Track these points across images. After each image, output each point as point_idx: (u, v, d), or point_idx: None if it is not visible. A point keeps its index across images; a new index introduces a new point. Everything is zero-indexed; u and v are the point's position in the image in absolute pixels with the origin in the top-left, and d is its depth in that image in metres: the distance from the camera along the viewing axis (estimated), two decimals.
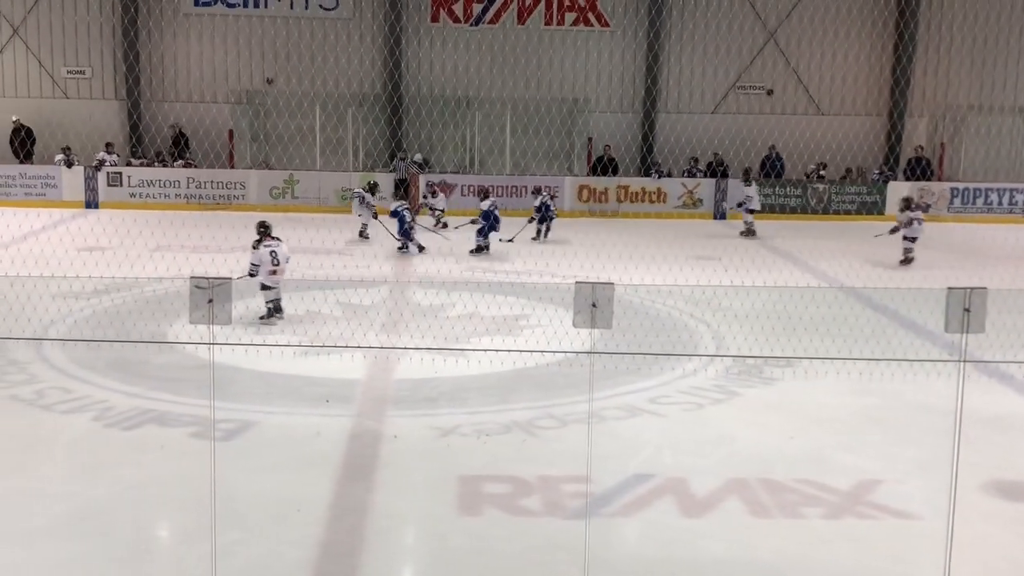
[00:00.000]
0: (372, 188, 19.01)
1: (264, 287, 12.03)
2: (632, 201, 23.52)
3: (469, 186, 23.15)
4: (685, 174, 24.34)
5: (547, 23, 25.24)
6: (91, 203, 22.29)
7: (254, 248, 12.05)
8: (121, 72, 24.55)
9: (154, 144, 24.37)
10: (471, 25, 25.10)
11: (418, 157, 23.97)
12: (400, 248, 17.63)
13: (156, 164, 23.46)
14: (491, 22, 25.13)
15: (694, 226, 22.31)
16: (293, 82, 24.75)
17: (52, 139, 23.52)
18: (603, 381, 9.73)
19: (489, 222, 17.85)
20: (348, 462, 7.90)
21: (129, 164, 23.18)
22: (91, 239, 17.59)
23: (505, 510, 7.02)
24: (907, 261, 17.25)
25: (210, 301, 3.38)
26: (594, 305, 4.45)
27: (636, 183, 23.83)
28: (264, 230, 12.15)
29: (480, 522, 6.85)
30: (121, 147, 23.94)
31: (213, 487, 5.61)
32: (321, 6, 24.73)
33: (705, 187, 23.73)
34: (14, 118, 23.60)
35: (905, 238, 17.34)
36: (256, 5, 24.65)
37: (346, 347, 10.88)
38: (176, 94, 24.78)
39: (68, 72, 24.65)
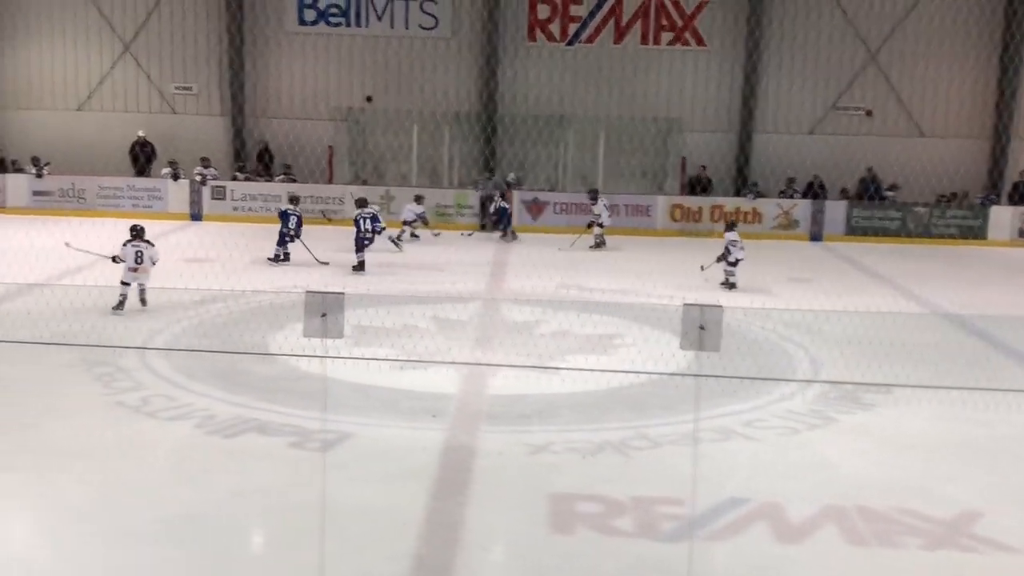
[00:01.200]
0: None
1: (123, 283, 13.16)
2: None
3: (561, 204, 23.22)
4: (781, 195, 24.04)
5: (643, 42, 25.22)
6: (196, 215, 22.91)
7: (123, 246, 13.27)
8: (226, 89, 25.22)
9: (251, 159, 24.97)
10: (567, 44, 25.21)
11: (512, 177, 24.12)
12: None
13: (258, 178, 24.01)
14: (587, 41, 25.20)
15: (789, 247, 22.01)
16: (391, 100, 25.13)
17: (161, 153, 24.30)
18: (696, 403, 9.66)
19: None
20: (442, 476, 7.98)
21: (234, 179, 23.77)
22: (195, 250, 18.07)
23: (597, 530, 7.02)
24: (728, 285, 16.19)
25: (323, 315, 3.47)
26: (702, 327, 4.45)
27: (731, 203, 23.62)
28: (136, 233, 13.42)
29: (572, 541, 6.86)
30: (220, 162, 24.52)
31: (323, 499, 5.72)
32: (420, 25, 25.10)
33: (801, 208, 23.41)
34: (140, 133, 24.44)
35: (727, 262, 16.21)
36: (358, 24, 25.13)
37: (441, 362, 11.00)
38: (278, 110, 25.35)
39: (176, 88, 25.42)
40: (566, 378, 10.43)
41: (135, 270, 13.25)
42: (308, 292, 3.53)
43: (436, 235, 20.78)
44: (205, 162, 23.63)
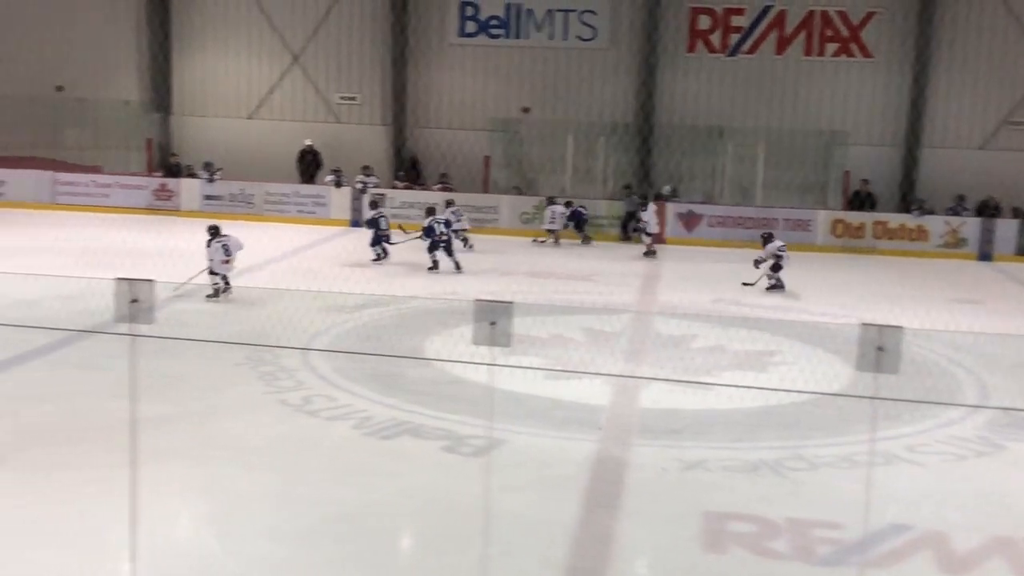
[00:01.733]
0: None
1: (212, 272, 14.23)
2: (890, 238, 22.54)
3: (716, 217, 22.91)
4: (949, 212, 23.09)
5: (807, 53, 24.66)
6: (355, 222, 23.55)
7: (208, 246, 14.33)
8: (388, 99, 25.85)
9: (410, 168, 25.51)
10: (727, 55, 24.87)
11: (666, 189, 23.92)
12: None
13: (416, 187, 24.51)
14: (748, 52, 24.80)
15: (956, 266, 21.12)
16: (547, 110, 25.29)
17: (325, 161, 25.09)
18: (856, 425, 9.37)
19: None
20: (594, 487, 7.96)
21: (393, 187, 24.34)
22: (354, 256, 18.58)
23: (751, 550, 6.88)
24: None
25: (492, 323, 3.52)
26: (880, 348, 4.30)
27: (895, 219, 22.83)
28: (214, 231, 14.52)
29: (725, 560, 6.75)
30: (381, 170, 25.10)
31: (488, 506, 5.79)
32: (579, 37, 25.18)
33: (970, 226, 22.43)
34: (307, 142, 25.33)
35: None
36: (517, 36, 25.40)
37: (595, 374, 10.98)
38: (438, 120, 25.84)
39: (341, 98, 26.21)
40: (720, 394, 10.27)
41: (227, 262, 14.33)
42: (478, 300, 3.58)
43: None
44: (367, 170, 24.26)
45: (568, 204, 22.23)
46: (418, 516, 7.36)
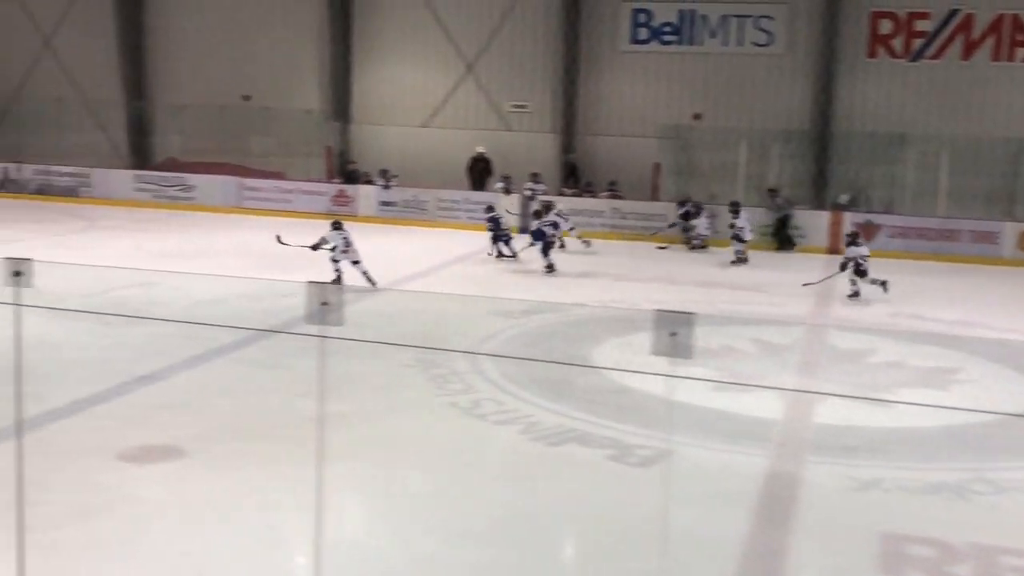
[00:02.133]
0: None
1: (334, 260, 15.34)
2: None
3: (896, 227, 22.09)
4: None
5: (995, 59, 23.52)
6: (523, 229, 23.75)
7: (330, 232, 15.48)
8: (558, 107, 26.01)
9: (581, 176, 25.60)
10: (910, 61, 23.97)
11: (843, 198, 23.21)
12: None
13: (584, 194, 24.58)
14: (933, 57, 23.84)
15: None
16: (720, 117, 24.94)
17: (496, 168, 25.46)
18: None
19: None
20: (764, 504, 7.80)
21: (561, 194, 24.47)
22: (523, 262, 18.75)
23: (931, 575, 6.60)
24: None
25: (673, 334, 3.51)
26: None
27: None
28: (337, 225, 15.71)
29: None
30: (550, 177, 25.26)
31: (655, 518, 5.76)
32: (754, 42, 24.75)
33: None
34: (479, 149, 25.80)
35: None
36: (690, 42, 25.16)
37: (766, 387, 10.76)
38: (607, 128, 25.85)
39: (512, 106, 26.55)
40: (898, 412, 9.90)
41: (346, 251, 15.42)
42: (657, 311, 3.57)
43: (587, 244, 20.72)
44: (535, 177, 24.46)
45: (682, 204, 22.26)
46: (584, 524, 7.37)
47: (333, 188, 25.54)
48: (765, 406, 10.24)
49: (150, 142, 28.90)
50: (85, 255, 17.87)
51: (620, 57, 25.75)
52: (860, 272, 16.21)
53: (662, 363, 4.82)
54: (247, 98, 27.50)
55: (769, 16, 24.63)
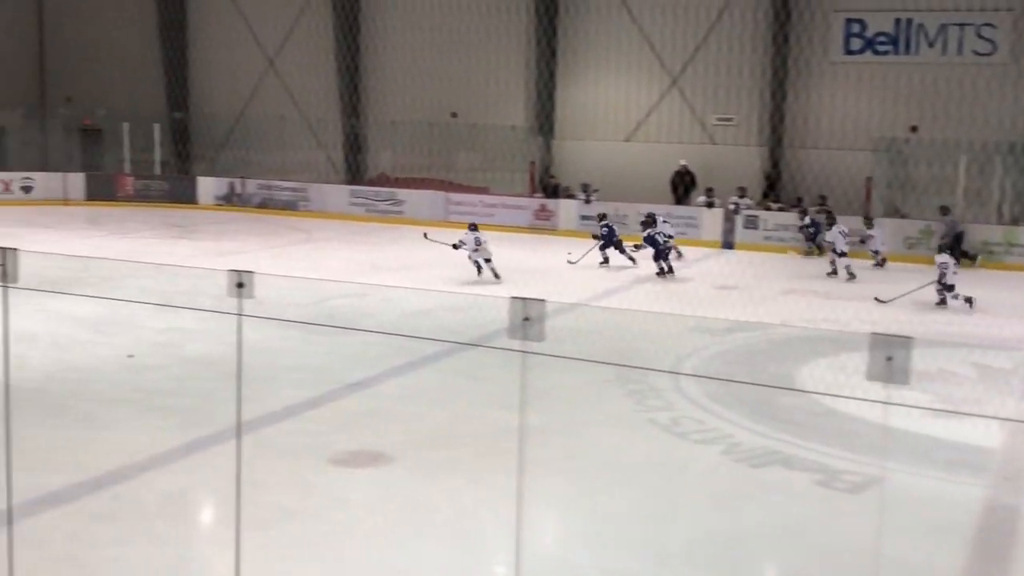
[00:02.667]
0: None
1: (470, 258, 17.71)
2: None
3: None
4: None
5: None
6: (727, 244, 23.38)
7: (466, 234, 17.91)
8: (765, 119, 25.47)
9: (787, 190, 24.95)
10: None
11: None
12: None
13: (791, 209, 23.93)
14: None
15: None
16: (937, 129, 23.78)
17: (699, 182, 25.14)
18: None
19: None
20: (982, 536, 7.36)
21: (767, 208, 23.95)
22: (725, 278, 18.44)
23: None
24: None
25: (889, 358, 3.36)
26: None
27: None
28: (473, 226, 18.08)
29: None
30: (755, 191, 24.76)
31: (864, 546, 5.55)
32: (975, 51, 23.49)
33: None
34: (682, 162, 25.59)
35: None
36: (906, 52, 24.14)
37: (987, 416, 10.17)
38: (815, 141, 25.11)
39: (717, 120, 26.18)
40: None
41: (477, 250, 17.58)
42: (873, 334, 3.43)
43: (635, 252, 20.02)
44: (741, 191, 24.03)
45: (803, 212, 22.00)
46: (788, 550, 7.15)
47: (535, 202, 25.86)
48: (985, 434, 9.67)
49: (364, 158, 30.07)
50: (302, 267, 18.74)
51: (832, 68, 24.95)
52: (947, 286, 16.37)
53: (873, 386, 4.63)
54: (455, 115, 28.21)
55: (991, 24, 23.32)
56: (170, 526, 7.36)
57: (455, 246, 17.68)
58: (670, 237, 19.49)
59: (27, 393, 9.64)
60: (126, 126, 29.36)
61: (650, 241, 18.89)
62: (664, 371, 11.55)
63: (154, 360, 11.79)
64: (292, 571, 6.54)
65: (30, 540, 6.44)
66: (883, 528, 7.32)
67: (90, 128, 31.22)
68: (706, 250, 22.88)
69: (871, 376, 3.49)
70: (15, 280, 4.38)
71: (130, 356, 11.90)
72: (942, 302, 16.38)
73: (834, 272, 19.17)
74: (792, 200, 24.51)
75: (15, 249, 4.45)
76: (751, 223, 23.51)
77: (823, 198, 23.83)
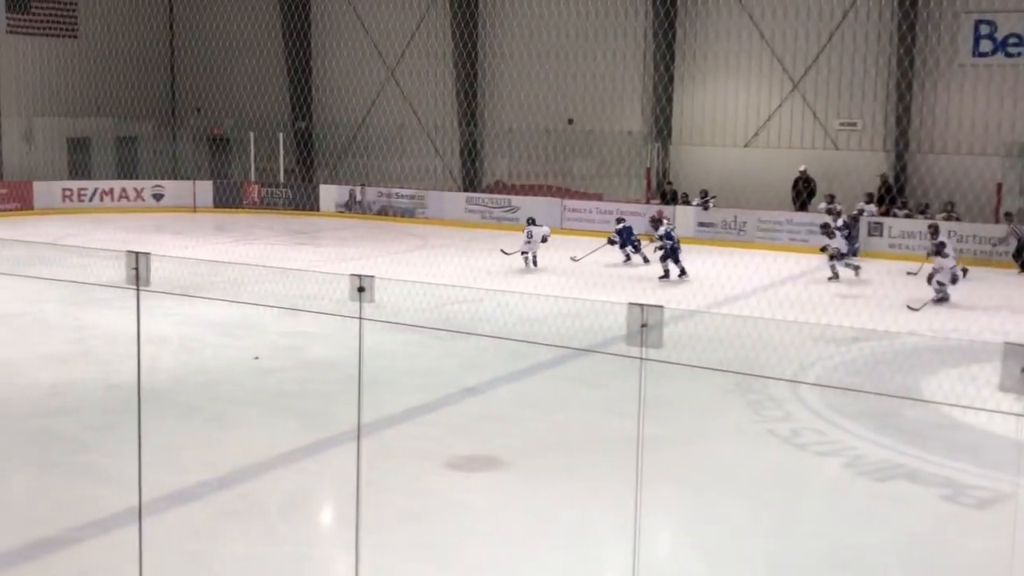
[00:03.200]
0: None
1: (523, 253, 19.39)
2: None
3: None
4: None
5: None
6: (853, 252, 22.77)
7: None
8: (890, 124, 24.78)
9: (914, 196, 24.23)
10: None
11: None
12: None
13: (917, 216, 23.24)
14: None
15: None
16: None
17: (820, 188, 24.58)
18: None
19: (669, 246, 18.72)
20: None
21: (892, 215, 23.29)
22: (849, 287, 18.00)
23: None
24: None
25: (1023, 370, 3.23)
26: None
27: None
28: (531, 220, 20.09)
29: None
30: (881, 198, 24.11)
31: (996, 566, 5.35)
32: None
33: None
34: (801, 167, 25.09)
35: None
36: None
37: None
38: (942, 146, 24.31)
39: (840, 125, 25.57)
40: None
41: (529, 242, 19.29)
42: (1007, 344, 3.30)
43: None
44: (869, 198, 23.44)
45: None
46: (914, 565, 6.94)
47: (651, 209, 25.66)
48: None
49: (480, 165, 30.34)
50: (419, 273, 18.99)
51: (960, 71, 24.14)
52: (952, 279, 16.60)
53: (1006, 398, 4.45)
54: (571, 121, 28.23)
55: None
56: (291, 526, 7.54)
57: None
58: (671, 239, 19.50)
59: (158, 394, 10.00)
60: (252, 135, 30.25)
61: (668, 238, 18.98)
62: (785, 379, 11.33)
63: (278, 363, 12.10)
64: (410, 572, 6.62)
65: (158, 536, 6.66)
66: (1015, 546, 7.05)
67: (218, 137, 32.27)
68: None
69: (1004, 387, 3.35)
70: (147, 284, 4.56)
71: (256, 358, 12.24)
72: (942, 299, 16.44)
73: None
74: (920, 206, 23.80)
75: (148, 254, 4.62)
76: (876, 230, 22.91)
77: (951, 204, 23.06)
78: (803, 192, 24.95)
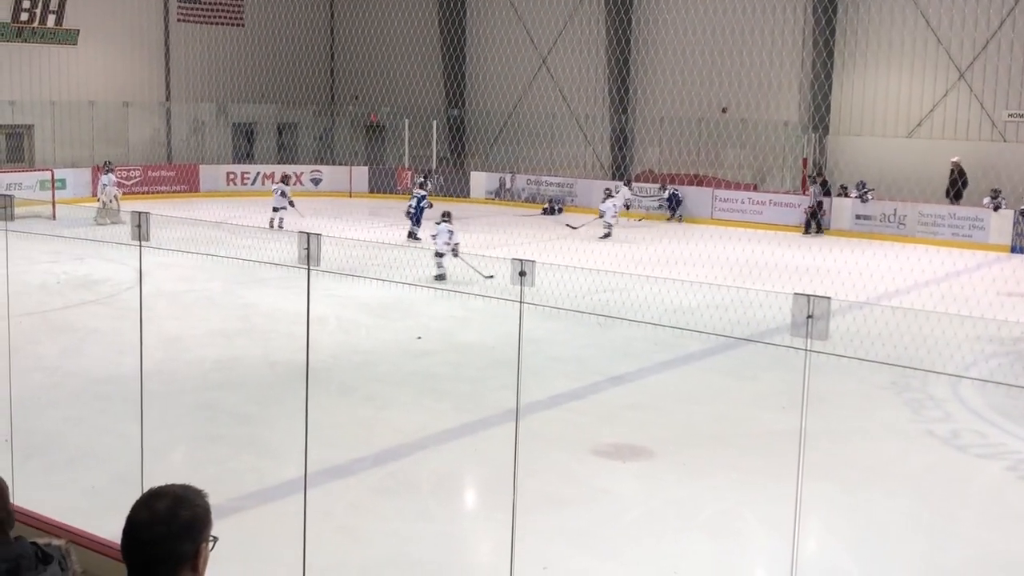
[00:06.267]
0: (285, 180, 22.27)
1: (438, 254, 16.44)
2: None
3: None
4: None
5: None
6: (1017, 248, 21.81)
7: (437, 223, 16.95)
8: None
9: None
10: None
11: None
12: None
13: None
14: None
15: None
16: None
17: (984, 181, 23.53)
18: None
19: None
20: None
21: None
22: (1013, 284, 17.21)
23: None
24: None
25: None
26: None
27: None
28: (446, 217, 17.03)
29: None
30: None
31: None
32: None
33: None
34: (954, 159, 24.10)
35: None
36: None
37: None
38: None
39: (1009, 116, 24.42)
40: None
41: (448, 243, 16.49)
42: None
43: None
44: None
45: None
46: None
47: (807, 200, 25.07)
48: None
49: (630, 154, 30.18)
50: (567, 261, 19.03)
51: None
52: None
53: None
54: (725, 110, 27.80)
55: None
56: (441, 504, 7.70)
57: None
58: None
59: (315, 372, 10.34)
60: (407, 122, 30.85)
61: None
62: (947, 373, 10.93)
63: (430, 345, 12.35)
64: (556, 555, 6.68)
65: (314, 510, 6.90)
66: None
67: (374, 124, 33.04)
68: (993, 254, 21.44)
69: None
70: (318, 264, 4.72)
71: (419, 338, 12.55)
72: None
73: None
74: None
75: (319, 235, 4.79)
76: None
77: None
78: (960, 183, 23.85)
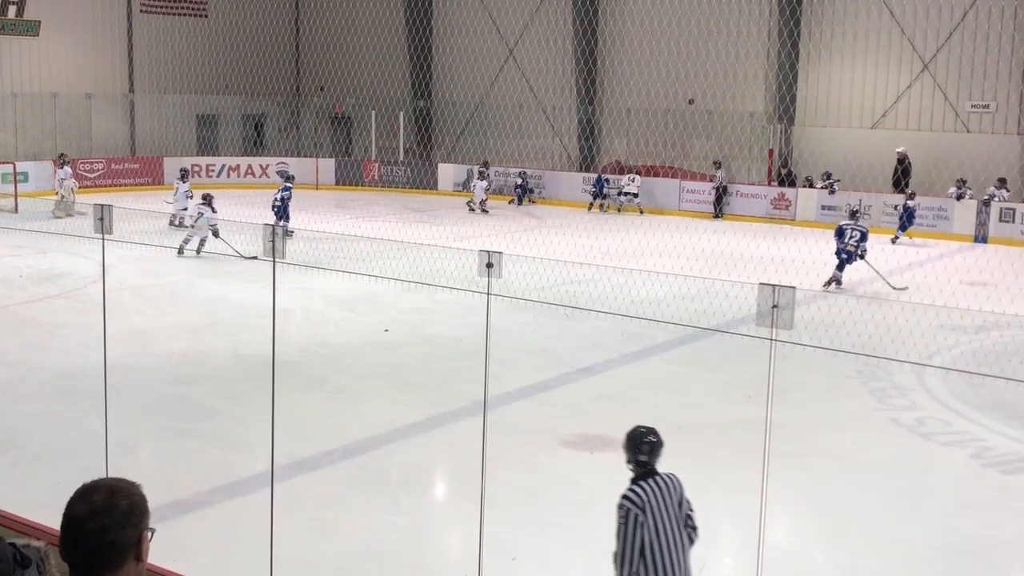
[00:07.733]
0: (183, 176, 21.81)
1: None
2: None
3: None
4: None
5: None
6: (979, 237, 22.07)
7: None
8: None
9: None
10: None
11: None
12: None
13: None
14: None
15: None
16: None
17: (946, 171, 23.74)
18: None
19: None
20: None
21: None
22: (976, 273, 17.40)
23: None
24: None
25: None
26: None
27: None
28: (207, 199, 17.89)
29: None
30: (1014, 183, 23.23)
31: None
32: None
33: None
34: (899, 149, 24.25)
35: None
36: None
37: None
38: None
39: (972, 107, 24.68)
40: None
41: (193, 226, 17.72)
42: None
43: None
44: (1001, 182, 22.58)
45: None
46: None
47: (772, 191, 25.23)
48: None
49: (597, 146, 30.21)
50: (535, 253, 19.04)
51: None
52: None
53: None
54: (691, 102, 27.88)
55: None
56: (410, 496, 7.70)
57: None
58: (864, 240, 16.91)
59: (283, 365, 10.27)
60: (373, 114, 30.71)
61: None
62: (911, 362, 11.05)
63: (398, 338, 12.32)
64: (525, 546, 6.70)
65: (283, 503, 6.88)
66: None
67: (340, 116, 32.86)
68: (957, 243, 21.67)
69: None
70: (283, 257, 4.70)
71: (386, 331, 12.52)
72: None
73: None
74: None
75: (285, 227, 4.76)
76: (1007, 216, 22.10)
77: None
78: (898, 171, 23.97)
